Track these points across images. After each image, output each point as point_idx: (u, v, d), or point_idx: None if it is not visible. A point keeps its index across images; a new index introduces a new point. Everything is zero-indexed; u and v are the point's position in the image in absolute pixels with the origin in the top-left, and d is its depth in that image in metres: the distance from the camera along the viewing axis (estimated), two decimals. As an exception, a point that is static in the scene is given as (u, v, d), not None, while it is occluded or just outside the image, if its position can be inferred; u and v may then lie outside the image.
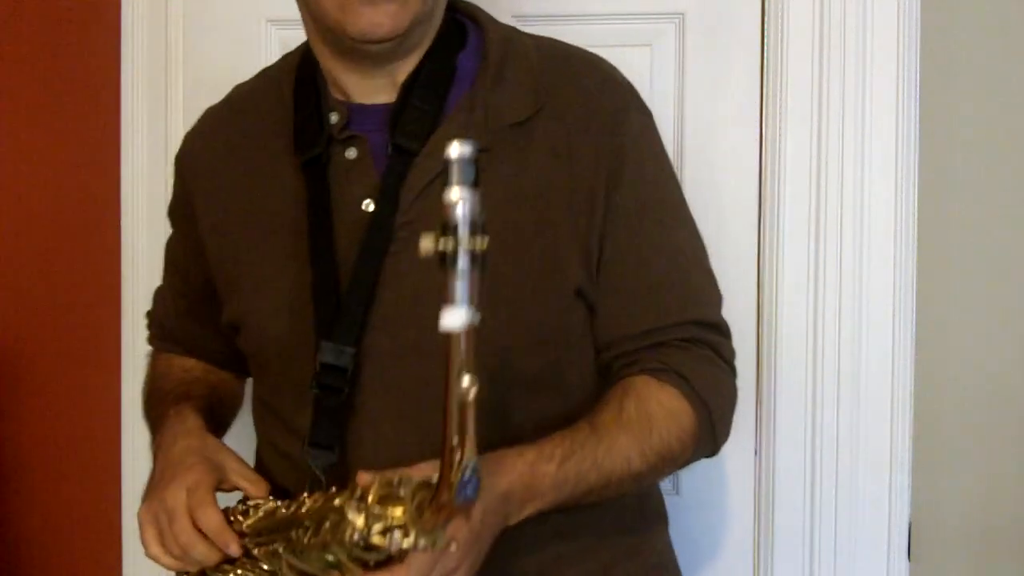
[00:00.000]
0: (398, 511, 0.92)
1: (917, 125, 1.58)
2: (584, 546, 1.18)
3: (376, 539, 0.92)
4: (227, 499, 1.11)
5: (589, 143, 1.14)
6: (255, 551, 1.05)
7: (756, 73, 1.62)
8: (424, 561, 0.95)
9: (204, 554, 1.06)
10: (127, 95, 1.74)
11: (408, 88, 1.14)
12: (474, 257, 0.82)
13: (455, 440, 0.83)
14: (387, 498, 0.93)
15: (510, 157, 1.12)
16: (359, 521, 0.92)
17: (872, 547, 1.60)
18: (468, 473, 0.85)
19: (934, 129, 1.59)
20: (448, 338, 0.83)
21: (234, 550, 1.05)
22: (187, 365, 1.34)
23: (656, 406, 1.13)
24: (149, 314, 1.41)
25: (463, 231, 0.82)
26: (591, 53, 1.23)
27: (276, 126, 1.19)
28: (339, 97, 1.16)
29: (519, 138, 1.13)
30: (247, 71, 1.71)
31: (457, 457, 0.84)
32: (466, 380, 0.82)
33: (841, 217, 1.59)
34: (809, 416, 1.60)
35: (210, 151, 1.25)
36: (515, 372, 1.11)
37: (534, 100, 1.14)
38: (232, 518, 1.07)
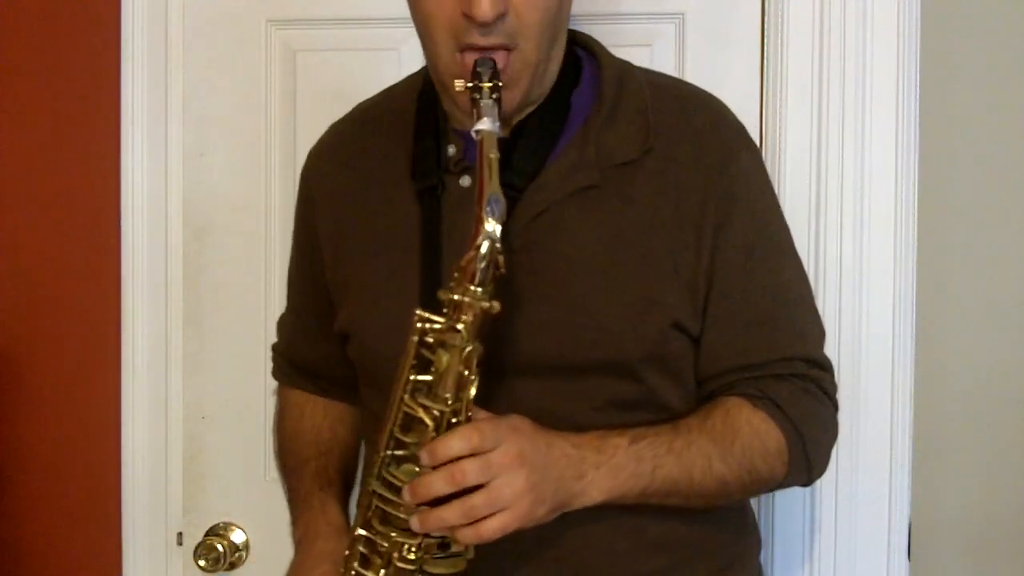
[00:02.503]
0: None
1: (917, 125, 1.58)
2: (680, 558, 1.19)
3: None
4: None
5: (698, 182, 1.17)
6: (373, 531, 1.11)
7: (756, 73, 1.62)
8: (473, 432, 1.03)
9: None
10: (127, 95, 1.73)
11: (520, 127, 1.18)
12: (494, 89, 1.07)
13: (485, 177, 1.03)
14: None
15: (616, 194, 1.16)
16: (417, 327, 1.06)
17: (872, 547, 1.60)
18: (492, 198, 1.02)
19: (934, 129, 1.59)
20: (483, 134, 1.05)
21: None
22: (317, 421, 1.38)
23: (744, 423, 1.16)
24: (274, 347, 1.46)
25: (486, 78, 1.07)
26: (702, 91, 1.28)
27: (397, 149, 1.24)
28: (456, 127, 1.21)
29: (627, 175, 1.17)
30: (247, 71, 1.73)
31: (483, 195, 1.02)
32: (493, 151, 1.04)
33: (841, 217, 1.59)
34: (809, 416, 1.60)
35: (332, 166, 1.32)
36: (611, 396, 1.15)
37: (644, 140, 1.18)
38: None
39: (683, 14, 1.63)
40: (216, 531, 1.68)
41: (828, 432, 1.24)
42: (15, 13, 1.78)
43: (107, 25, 1.74)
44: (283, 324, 1.45)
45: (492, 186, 1.03)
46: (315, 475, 1.32)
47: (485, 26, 1.07)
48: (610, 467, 1.09)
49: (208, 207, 1.74)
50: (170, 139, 1.74)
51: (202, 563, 1.64)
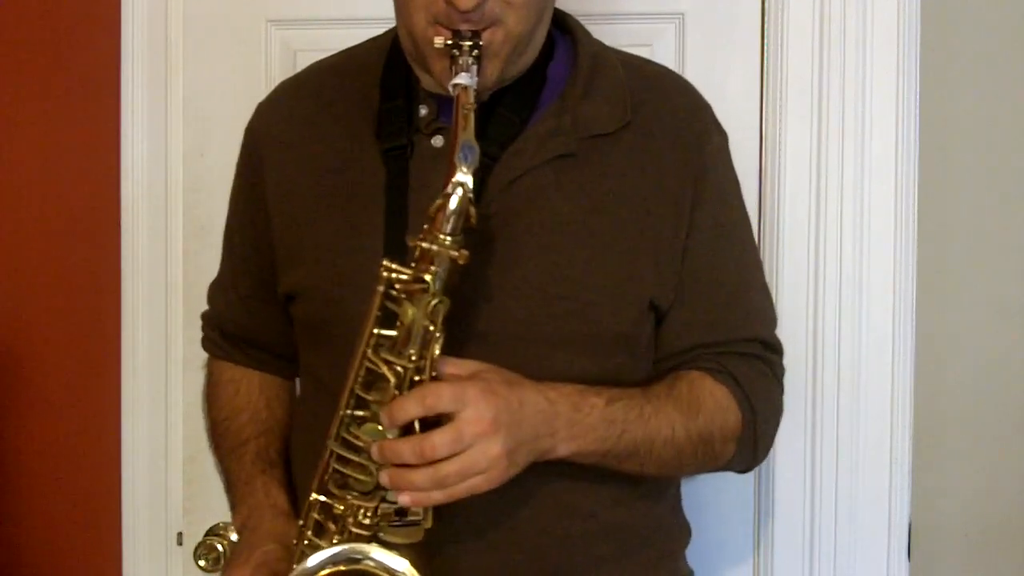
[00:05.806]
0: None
1: (917, 125, 1.58)
2: (629, 545, 1.20)
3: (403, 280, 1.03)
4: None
5: (677, 159, 1.18)
6: (330, 495, 1.09)
7: (756, 73, 1.62)
8: (429, 395, 1.01)
9: None
10: (127, 95, 1.73)
11: (496, 97, 1.17)
12: (473, 47, 1.07)
13: (460, 127, 1.03)
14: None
15: (594, 165, 1.16)
16: (383, 277, 1.04)
17: (872, 547, 1.60)
18: (465, 145, 1.02)
19: (934, 129, 1.60)
20: (460, 88, 1.06)
21: None
22: (253, 397, 1.34)
23: (707, 395, 1.18)
24: (204, 316, 1.41)
25: (466, 35, 1.07)
26: (672, 70, 1.30)
27: (358, 108, 1.22)
28: (430, 89, 1.19)
29: (604, 148, 1.17)
30: (247, 71, 1.72)
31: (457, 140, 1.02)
32: (469, 103, 1.05)
33: (841, 217, 1.59)
34: (809, 416, 1.60)
35: (285, 122, 1.28)
36: (578, 374, 1.14)
37: (623, 114, 1.18)
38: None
39: (683, 14, 1.63)
40: (216, 531, 1.68)
41: (776, 414, 1.27)
42: (15, 13, 1.79)
43: (107, 25, 1.74)
44: (216, 290, 1.39)
45: (467, 134, 1.02)
46: (256, 457, 1.28)
47: (466, 12, 1.07)
48: (583, 427, 1.09)
49: (208, 207, 1.73)
50: (170, 139, 1.74)
51: (202, 563, 1.64)
